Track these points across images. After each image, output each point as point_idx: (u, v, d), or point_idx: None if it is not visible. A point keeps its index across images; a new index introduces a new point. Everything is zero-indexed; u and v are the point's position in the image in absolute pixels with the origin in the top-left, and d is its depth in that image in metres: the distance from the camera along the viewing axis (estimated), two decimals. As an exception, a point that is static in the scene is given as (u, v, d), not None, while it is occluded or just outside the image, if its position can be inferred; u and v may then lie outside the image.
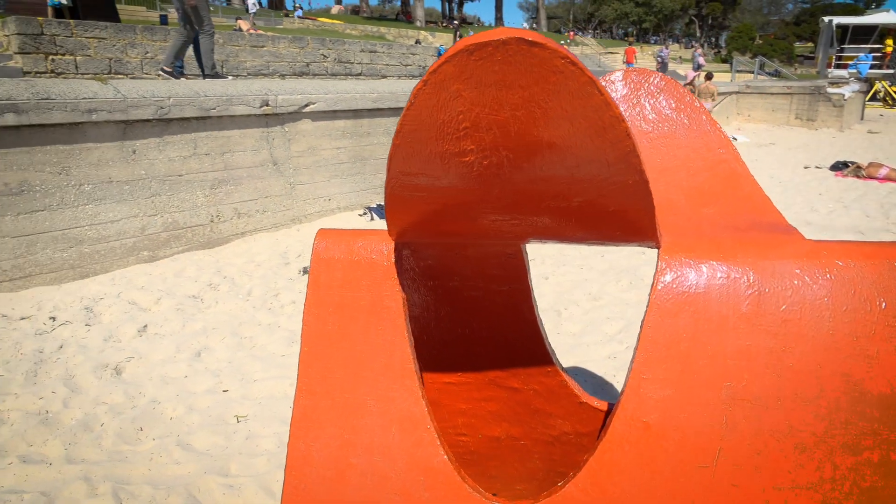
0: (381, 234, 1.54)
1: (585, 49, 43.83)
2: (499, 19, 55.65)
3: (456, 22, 42.82)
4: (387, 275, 1.50)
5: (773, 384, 1.27)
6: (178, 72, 7.51)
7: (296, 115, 6.13)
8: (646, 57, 38.55)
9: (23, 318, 3.97)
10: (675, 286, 1.36)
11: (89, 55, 9.86)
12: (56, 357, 3.47)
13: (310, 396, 1.52)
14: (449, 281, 1.70)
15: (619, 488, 1.22)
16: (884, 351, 1.24)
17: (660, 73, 1.73)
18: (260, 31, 16.06)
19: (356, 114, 6.75)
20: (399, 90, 7.24)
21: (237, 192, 5.69)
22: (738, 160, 1.67)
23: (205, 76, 7.61)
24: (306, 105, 6.16)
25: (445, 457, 1.43)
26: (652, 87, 1.75)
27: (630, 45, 29.42)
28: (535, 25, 62.78)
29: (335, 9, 42.83)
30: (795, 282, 1.30)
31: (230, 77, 8.83)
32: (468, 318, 1.78)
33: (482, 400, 1.92)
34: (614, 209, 1.23)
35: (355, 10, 43.11)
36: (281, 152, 6.04)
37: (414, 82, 9.58)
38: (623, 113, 1.78)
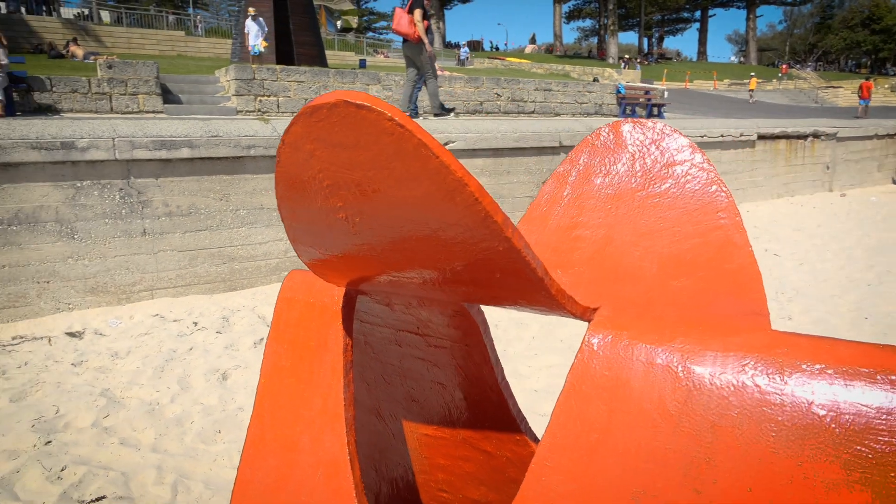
0: (339, 278, 1.60)
1: (801, 83, 39.61)
2: (702, 53, 52.80)
3: (641, 59, 41.53)
4: (333, 318, 1.54)
5: (689, 500, 1.09)
6: (413, 115, 8.17)
7: (435, 153, 6.43)
8: (883, 90, 33.73)
9: (174, 321, 4.67)
10: (594, 367, 1.23)
11: (289, 96, 11.32)
12: (183, 357, 4.03)
13: (260, 426, 1.61)
14: (409, 329, 1.70)
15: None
16: (832, 485, 1.00)
17: (662, 124, 1.56)
18: (445, 72, 17.10)
19: (496, 153, 6.88)
20: (543, 130, 7.25)
21: (373, 222, 6.11)
22: (739, 228, 1.44)
23: (435, 114, 8.22)
24: (445, 144, 6.44)
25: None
26: (649, 141, 1.58)
27: (866, 78, 25.83)
28: (742, 59, 58.42)
29: (529, 48, 44.02)
30: (736, 382, 1.10)
31: (452, 115, 8.93)
32: (437, 371, 1.75)
33: (459, 459, 1.85)
34: (500, 276, 1.15)
35: (549, 49, 43.88)
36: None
37: (588, 120, 9.49)
38: (602, 168, 1.65)
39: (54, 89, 8.91)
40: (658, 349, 1.19)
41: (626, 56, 29.35)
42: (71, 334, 4.37)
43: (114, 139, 4.69)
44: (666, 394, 1.16)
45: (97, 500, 2.56)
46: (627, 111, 15.92)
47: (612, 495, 1.15)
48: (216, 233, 5.26)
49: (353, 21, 39.33)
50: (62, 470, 2.77)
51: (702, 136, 9.26)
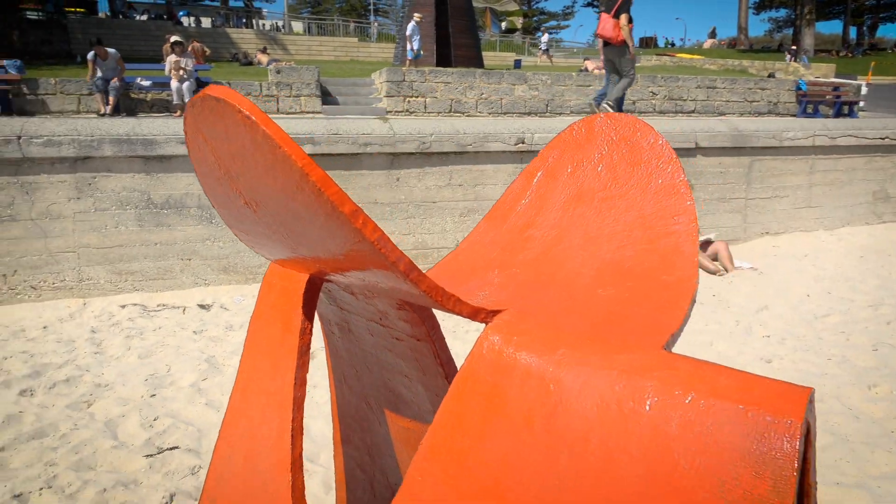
0: (307, 265, 1.69)
1: None
2: (925, 43, 45.22)
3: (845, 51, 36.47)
4: (295, 304, 1.64)
5: None
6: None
7: (552, 153, 6.31)
8: None
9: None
10: (478, 371, 1.20)
11: (436, 97, 11.75)
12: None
13: (236, 400, 1.77)
14: (374, 319, 1.74)
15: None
16: None
17: (634, 120, 1.42)
18: (597, 70, 16.54)
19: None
20: (674, 130, 6.76)
21: (484, 221, 6.16)
22: (691, 235, 1.28)
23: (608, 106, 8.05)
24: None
25: (290, 483, 1.51)
26: (619, 138, 1.45)
27: None
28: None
29: (708, 43, 40.91)
30: (600, 402, 1.02)
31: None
32: (402, 363, 1.78)
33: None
34: (372, 268, 1.15)
35: (732, 44, 40.40)
36: (532, 187, 6.29)
37: (760, 120, 8.68)
38: (569, 166, 1.56)
39: (231, 93, 10.13)
40: (537, 359, 1.14)
41: (793, 47, 25.93)
42: (201, 306, 5.01)
43: (248, 136, 5.28)
44: (535, 407, 1.11)
45: (170, 448, 2.94)
46: (809, 109, 14.18)
47: (477, 504, 1.12)
48: (333, 224, 5.67)
49: (518, 22, 39.51)
50: (154, 420, 3.21)
51: (883, 138, 7.98)
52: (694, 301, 1.17)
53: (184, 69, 8.97)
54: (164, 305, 5.01)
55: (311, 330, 1.68)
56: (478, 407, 1.17)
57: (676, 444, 0.93)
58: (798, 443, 0.76)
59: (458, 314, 1.20)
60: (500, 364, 1.18)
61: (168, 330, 4.50)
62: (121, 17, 23.66)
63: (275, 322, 1.73)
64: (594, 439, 1.00)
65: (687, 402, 0.93)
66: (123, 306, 4.95)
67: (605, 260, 1.36)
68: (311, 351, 1.75)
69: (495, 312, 1.25)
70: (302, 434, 1.64)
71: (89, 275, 5.14)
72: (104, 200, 5.09)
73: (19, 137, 4.79)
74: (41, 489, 2.60)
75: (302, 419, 1.66)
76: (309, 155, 0.94)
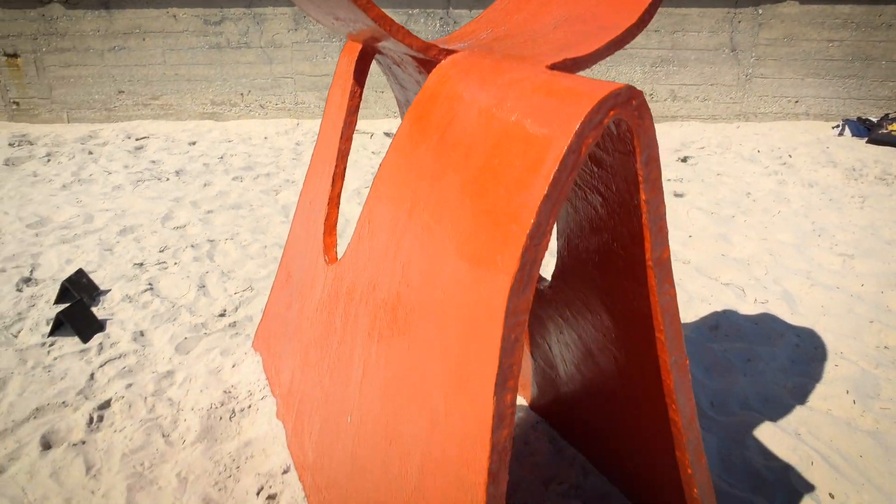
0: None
1: None
2: None
3: None
4: (350, 71, 1.87)
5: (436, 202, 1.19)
6: None
7: (779, -4, 5.38)
8: None
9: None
10: (420, 100, 1.34)
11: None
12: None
13: (313, 156, 2.11)
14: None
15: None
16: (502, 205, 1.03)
17: None
18: None
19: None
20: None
21: (679, 73, 5.65)
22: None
23: None
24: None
25: (322, 231, 1.84)
26: None
27: None
28: None
29: None
30: (477, 111, 1.11)
31: None
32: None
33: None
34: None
35: None
36: (744, 38, 5.51)
37: None
38: None
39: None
40: (455, 84, 1.24)
41: None
42: (386, 134, 5.58)
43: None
44: (442, 123, 1.23)
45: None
46: None
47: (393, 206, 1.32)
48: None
49: None
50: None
51: None
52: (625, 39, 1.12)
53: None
54: (357, 131, 5.69)
55: (359, 94, 1.93)
56: (414, 126, 1.32)
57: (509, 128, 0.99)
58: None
59: (409, 46, 1.32)
60: (434, 92, 1.29)
61: (353, 148, 5.15)
62: None
63: (337, 87, 2.01)
64: (468, 142, 1.10)
65: (532, 103, 0.98)
66: (326, 129, 5.75)
67: (572, 15, 1.32)
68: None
69: (448, 52, 1.34)
70: (342, 179, 1.95)
71: (302, 99, 5.98)
72: (315, 33, 5.76)
73: (253, -28, 5.56)
74: (226, 239, 3.39)
75: (344, 167, 1.96)
76: None
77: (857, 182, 4.18)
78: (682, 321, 2.55)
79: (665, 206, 1.04)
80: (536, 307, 1.66)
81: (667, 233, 1.05)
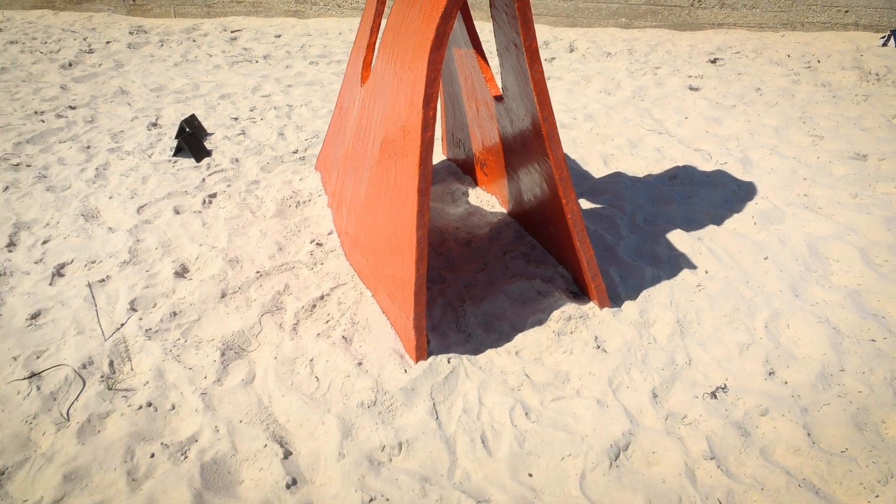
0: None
1: None
2: None
3: None
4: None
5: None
6: None
7: None
8: None
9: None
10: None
11: None
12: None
13: (352, 50, 2.84)
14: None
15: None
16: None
17: None
18: None
19: None
20: None
21: (728, -20, 5.85)
22: None
23: None
24: None
25: (361, 67, 2.58)
26: None
27: None
28: None
29: None
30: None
31: None
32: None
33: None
34: None
35: None
36: (797, -56, 5.61)
37: None
38: None
39: None
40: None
41: None
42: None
43: None
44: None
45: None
46: None
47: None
48: (568, -29, 6.07)
49: None
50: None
51: None
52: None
53: None
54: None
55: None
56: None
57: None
58: None
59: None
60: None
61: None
62: None
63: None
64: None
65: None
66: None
67: None
68: None
69: None
70: (378, 31, 2.66)
71: None
72: (388, -64, 6.32)
73: None
74: (302, 105, 4.22)
75: (379, 22, 2.68)
76: None
77: (869, 84, 4.46)
78: (650, 174, 3.18)
79: (537, 41, 1.71)
80: (511, 157, 2.38)
81: (537, 47, 1.72)
